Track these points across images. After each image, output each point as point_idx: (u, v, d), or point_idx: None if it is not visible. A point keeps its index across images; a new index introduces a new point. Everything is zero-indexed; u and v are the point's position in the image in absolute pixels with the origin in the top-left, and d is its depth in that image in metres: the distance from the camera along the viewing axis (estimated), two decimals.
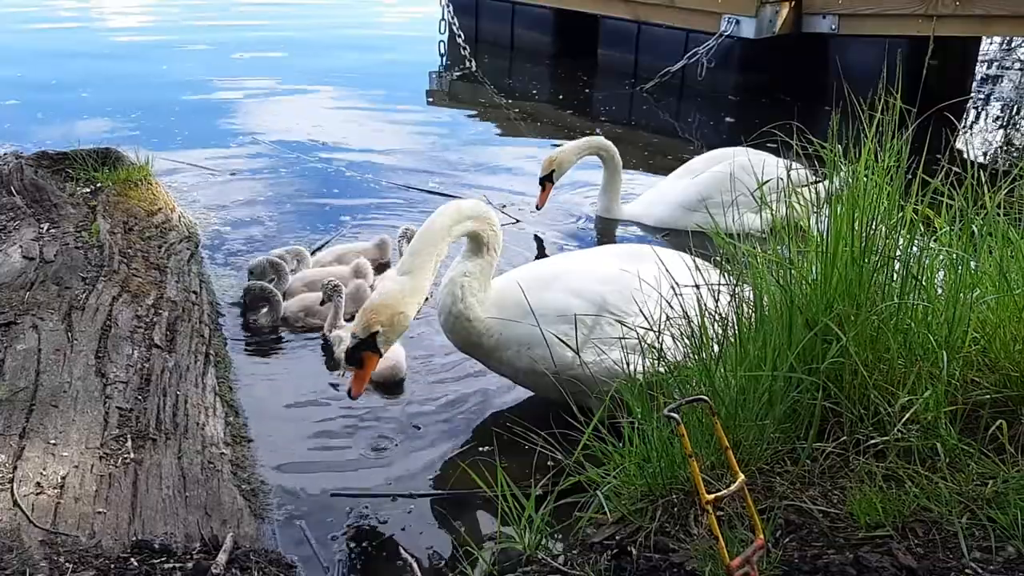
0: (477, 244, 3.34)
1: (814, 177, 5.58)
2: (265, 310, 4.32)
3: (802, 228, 2.97)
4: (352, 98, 8.83)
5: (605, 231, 5.84)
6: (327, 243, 5.29)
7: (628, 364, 2.94)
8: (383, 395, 3.79)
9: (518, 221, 5.79)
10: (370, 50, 11.21)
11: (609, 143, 5.78)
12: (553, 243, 5.59)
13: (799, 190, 5.47)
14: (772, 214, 3.04)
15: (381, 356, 3.18)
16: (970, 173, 2.92)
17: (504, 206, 5.89)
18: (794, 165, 5.61)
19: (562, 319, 3.21)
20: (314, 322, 4.29)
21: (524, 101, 9.08)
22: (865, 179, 2.74)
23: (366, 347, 3.12)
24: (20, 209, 4.77)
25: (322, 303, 4.23)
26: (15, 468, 2.79)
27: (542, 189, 5.68)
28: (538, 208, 5.74)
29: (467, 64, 10.29)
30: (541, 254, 5.40)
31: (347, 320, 4.12)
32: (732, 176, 5.03)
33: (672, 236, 5.55)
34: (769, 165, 5.65)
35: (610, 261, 3.56)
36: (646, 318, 2.91)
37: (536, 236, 5.64)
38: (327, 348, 4.11)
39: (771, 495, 2.46)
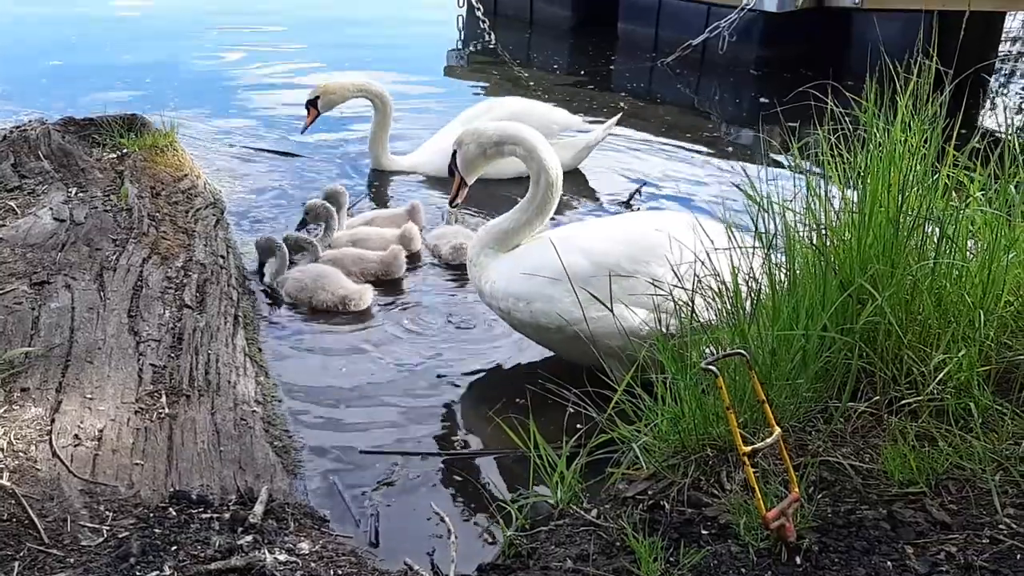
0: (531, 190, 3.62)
1: (583, 126, 5.85)
2: (271, 261, 4.39)
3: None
4: (368, 72, 8.76)
5: (382, 182, 5.92)
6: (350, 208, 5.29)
7: (635, 321, 3.10)
8: (413, 353, 3.84)
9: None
10: (387, 23, 11.15)
11: (385, 92, 5.87)
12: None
13: (562, 138, 5.69)
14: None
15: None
16: (1005, 138, 2.91)
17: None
18: (562, 114, 5.85)
19: (560, 274, 3.21)
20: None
21: (544, 75, 9.04)
22: (902, 139, 2.73)
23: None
24: (48, 173, 4.80)
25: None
26: (53, 420, 2.83)
27: (307, 113, 5.84)
28: (302, 132, 5.94)
29: (486, 38, 10.24)
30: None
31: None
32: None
33: (446, 182, 5.57)
34: (536, 114, 5.77)
35: (630, 224, 3.65)
36: (657, 278, 3.00)
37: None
38: (354, 313, 4.18)
39: (804, 452, 2.48)
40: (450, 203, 4.02)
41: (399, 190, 5.84)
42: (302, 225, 4.80)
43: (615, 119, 6.18)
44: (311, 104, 5.82)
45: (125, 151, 5.19)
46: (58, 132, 5.27)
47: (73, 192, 4.57)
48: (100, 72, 8.19)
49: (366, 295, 4.18)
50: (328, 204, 4.76)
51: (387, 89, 5.98)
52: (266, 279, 4.35)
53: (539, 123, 5.46)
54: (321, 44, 9.81)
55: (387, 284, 4.44)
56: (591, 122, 6.33)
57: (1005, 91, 9.12)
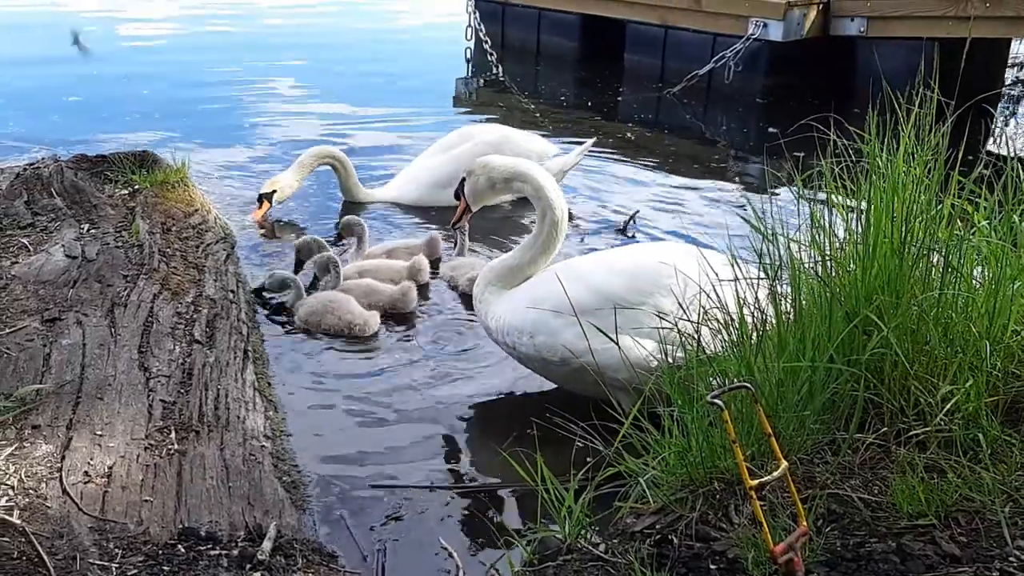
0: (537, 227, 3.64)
1: (557, 151, 5.98)
2: (288, 292, 4.49)
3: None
4: (379, 105, 8.83)
5: (357, 214, 5.81)
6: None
7: (639, 353, 3.10)
8: (421, 386, 3.85)
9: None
10: (396, 57, 11.27)
11: (330, 151, 5.89)
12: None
13: (546, 163, 5.74)
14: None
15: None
16: (1008, 167, 2.92)
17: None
18: (540, 142, 5.92)
19: (563, 306, 3.23)
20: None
21: (551, 106, 9.12)
22: (904, 170, 2.74)
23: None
24: (61, 210, 4.86)
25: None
26: (63, 458, 2.85)
27: (259, 205, 5.61)
28: (249, 222, 5.59)
29: (494, 70, 10.35)
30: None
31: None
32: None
33: (424, 212, 5.84)
34: (514, 141, 5.82)
35: (634, 255, 3.66)
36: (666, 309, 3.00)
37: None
38: (362, 342, 4.23)
39: (812, 485, 2.47)
40: (452, 225, 4.15)
41: (378, 222, 5.83)
42: (338, 239, 5.15)
43: (589, 143, 6.30)
44: (265, 198, 5.60)
45: (136, 187, 5.26)
46: (70, 169, 5.35)
47: (85, 229, 4.63)
48: (112, 109, 8.30)
49: (371, 322, 4.24)
50: (362, 221, 5.06)
51: (332, 146, 6.10)
52: (288, 303, 4.45)
53: (517, 152, 5.55)
54: (333, 79, 9.94)
55: (397, 316, 4.47)
56: (593, 151, 6.39)
57: (1013, 117, 9.13)
